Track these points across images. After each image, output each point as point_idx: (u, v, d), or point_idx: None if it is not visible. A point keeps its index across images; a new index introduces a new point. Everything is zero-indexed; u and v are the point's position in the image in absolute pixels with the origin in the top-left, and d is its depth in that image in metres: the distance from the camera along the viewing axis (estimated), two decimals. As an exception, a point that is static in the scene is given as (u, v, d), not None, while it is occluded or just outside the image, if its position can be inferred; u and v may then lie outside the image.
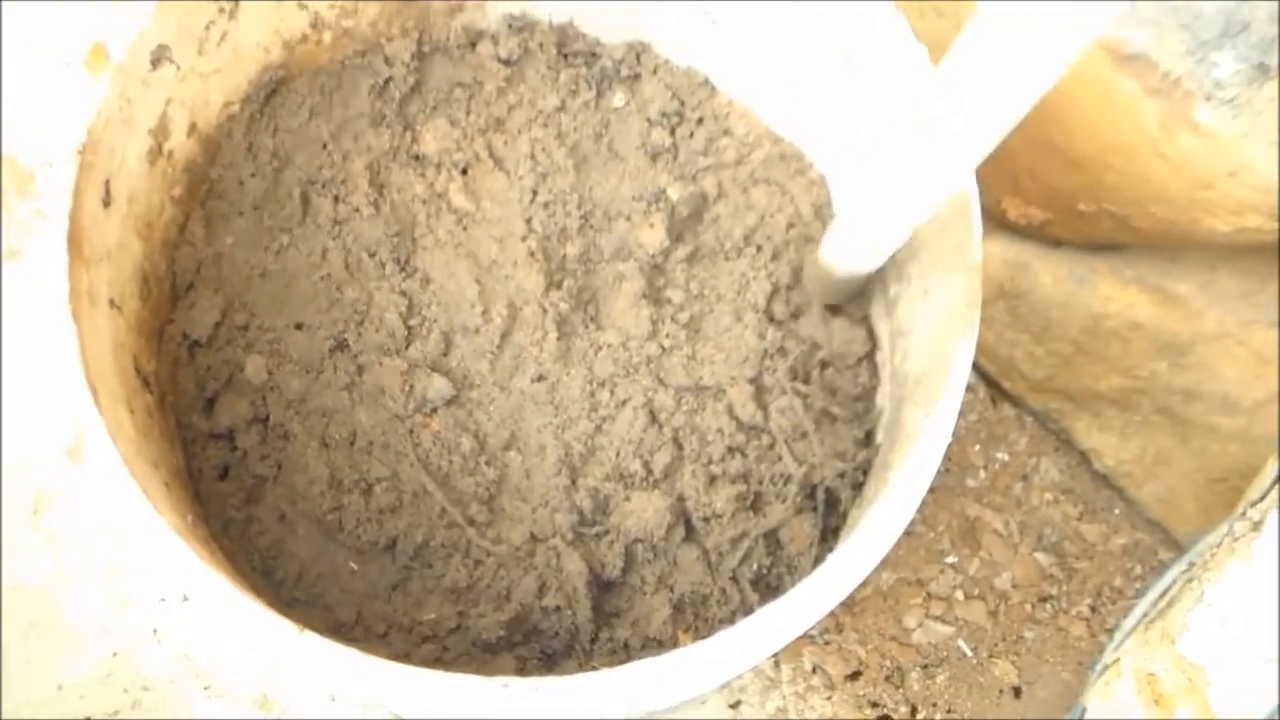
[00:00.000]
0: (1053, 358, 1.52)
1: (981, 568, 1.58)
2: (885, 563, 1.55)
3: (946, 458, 1.61)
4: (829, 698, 1.52)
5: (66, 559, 1.56)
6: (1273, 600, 0.87)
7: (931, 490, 1.60)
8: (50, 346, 1.05)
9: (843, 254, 1.20)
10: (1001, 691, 1.46)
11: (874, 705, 1.51)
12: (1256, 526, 0.89)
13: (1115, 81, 1.23)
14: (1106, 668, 0.98)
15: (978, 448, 1.63)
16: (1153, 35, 1.19)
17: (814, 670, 1.53)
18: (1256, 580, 0.88)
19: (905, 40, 1.19)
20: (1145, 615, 0.99)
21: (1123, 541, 1.58)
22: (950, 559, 1.58)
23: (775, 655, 1.53)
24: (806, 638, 1.54)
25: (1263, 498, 0.92)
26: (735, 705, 1.51)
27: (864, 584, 1.56)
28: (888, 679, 1.52)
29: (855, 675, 1.53)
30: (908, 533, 1.57)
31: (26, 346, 1.52)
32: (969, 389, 1.65)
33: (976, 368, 1.65)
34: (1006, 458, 1.63)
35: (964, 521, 1.59)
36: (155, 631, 1.54)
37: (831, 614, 1.55)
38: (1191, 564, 0.95)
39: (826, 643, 1.54)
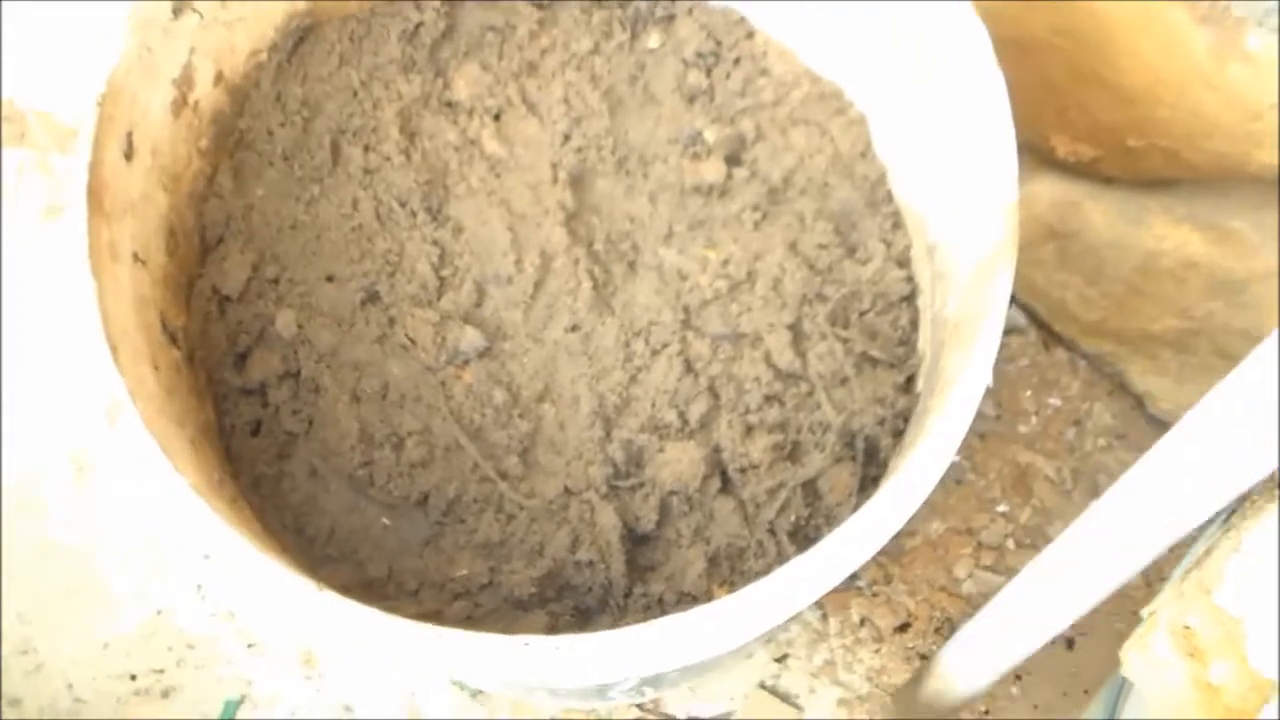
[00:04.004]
0: (1105, 299, 1.48)
1: (1033, 516, 1.54)
2: (934, 511, 1.53)
3: (997, 404, 1.58)
4: (877, 650, 1.49)
5: (108, 519, 1.56)
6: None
7: (981, 437, 1.58)
8: (77, 303, 1.04)
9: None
10: (1054, 643, 1.43)
11: (923, 658, 1.48)
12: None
13: (1163, 10, 1.19)
14: (1143, 621, 0.94)
15: (1029, 393, 1.59)
16: (1200, -39, 1.14)
17: (862, 622, 1.50)
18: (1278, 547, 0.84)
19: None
20: (1187, 567, 0.95)
21: (1180, 487, 1.54)
22: (1001, 507, 1.54)
23: (822, 608, 1.51)
24: (854, 589, 1.52)
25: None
26: (782, 659, 1.49)
27: (912, 534, 1.54)
28: (937, 630, 1.49)
29: (904, 627, 1.50)
30: (957, 480, 1.55)
31: (65, 305, 1.52)
32: (1019, 332, 1.61)
33: (1027, 310, 1.61)
34: (1059, 403, 1.59)
35: (1015, 469, 1.56)
36: (199, 588, 1.54)
37: (880, 565, 1.53)
38: (1232, 512, 0.92)
39: (875, 594, 1.52)
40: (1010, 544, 1.53)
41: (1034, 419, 1.58)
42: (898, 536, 1.50)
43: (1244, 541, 0.87)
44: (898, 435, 1.23)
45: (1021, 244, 1.51)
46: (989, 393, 1.57)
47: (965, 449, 1.56)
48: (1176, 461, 0.86)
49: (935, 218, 1.24)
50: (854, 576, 1.50)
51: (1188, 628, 0.88)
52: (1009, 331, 1.61)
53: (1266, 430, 0.77)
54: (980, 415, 1.57)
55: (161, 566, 1.54)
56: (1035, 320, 1.60)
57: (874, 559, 1.50)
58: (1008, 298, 1.06)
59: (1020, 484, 1.55)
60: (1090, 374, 1.60)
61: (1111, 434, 1.57)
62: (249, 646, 1.51)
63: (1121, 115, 1.31)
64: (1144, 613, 0.95)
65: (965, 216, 1.17)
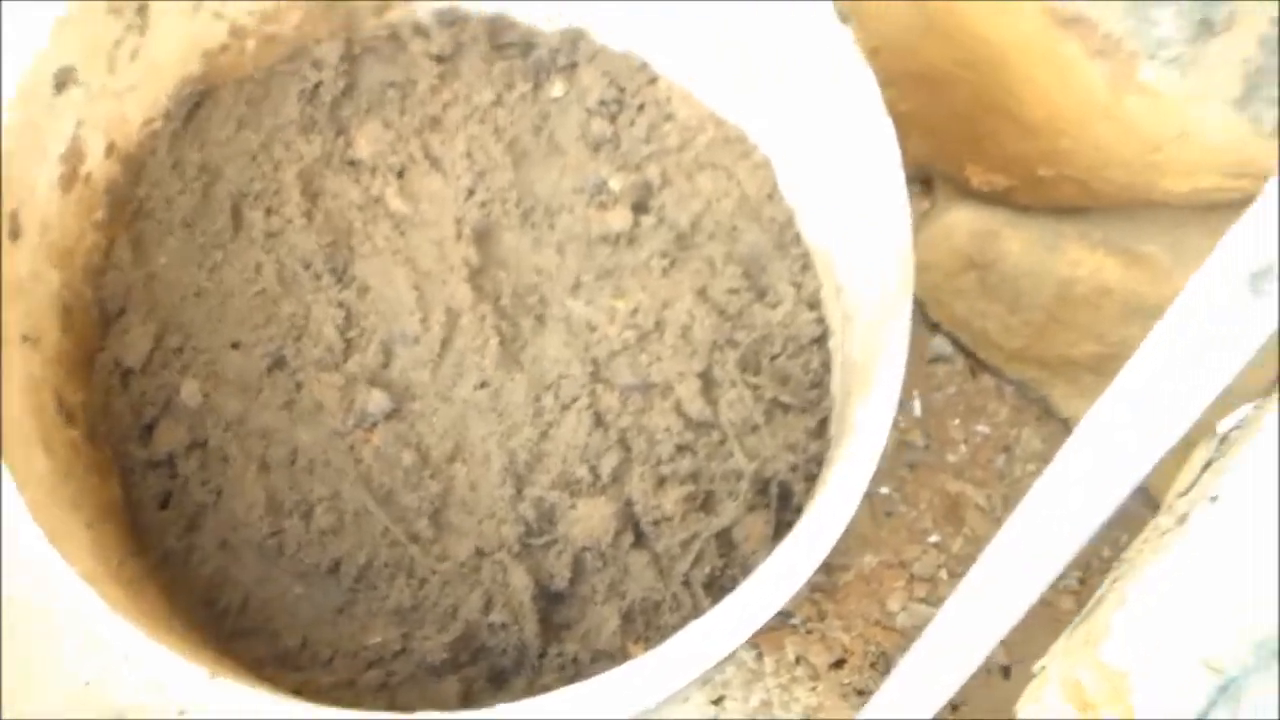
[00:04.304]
0: (1027, 327, 1.47)
1: (965, 545, 1.53)
2: (866, 544, 1.52)
3: (925, 433, 1.57)
4: (814, 688, 1.48)
5: (29, 591, 1.54)
6: (1198, 601, 0.82)
7: (911, 467, 1.57)
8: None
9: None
10: (990, 671, 1.42)
11: (860, 694, 1.47)
12: (1181, 521, 0.84)
13: (1058, 45, 1.18)
14: (1035, 675, 0.94)
15: (957, 421, 1.58)
16: (1091, -5, 1.14)
17: (798, 660, 1.49)
18: (1180, 580, 0.84)
19: (826, 17, 1.15)
20: (1076, 621, 0.94)
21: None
22: (933, 538, 1.53)
23: (757, 647, 1.50)
24: (788, 627, 1.50)
25: (1190, 488, 0.88)
26: (718, 701, 1.48)
27: (845, 568, 1.53)
28: (873, 665, 1.48)
29: (840, 663, 1.49)
30: (888, 513, 1.53)
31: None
32: (945, 360, 1.60)
33: (952, 339, 1.60)
34: (988, 430, 1.58)
35: (946, 498, 1.55)
36: (126, 658, 1.52)
37: (813, 601, 1.52)
38: (1118, 566, 0.91)
39: (809, 631, 1.50)
40: (943, 574, 1.51)
41: (963, 447, 1.57)
42: (829, 571, 1.51)
43: (1128, 594, 0.86)
44: (811, 480, 1.22)
45: (942, 273, 1.51)
46: (917, 423, 1.57)
47: (894, 480, 1.54)
48: (1071, 469, 0.88)
49: (840, 259, 1.23)
50: (787, 614, 1.50)
51: (1078, 681, 0.87)
52: (935, 360, 1.60)
53: (1145, 433, 0.82)
54: (909, 445, 1.57)
55: (90, 637, 1.52)
56: (961, 348, 1.59)
57: (807, 595, 1.50)
58: (906, 341, 1.05)
59: (951, 513, 1.54)
60: (1018, 400, 1.58)
61: (1041, 459, 1.56)
62: (180, 713, 1.49)
63: (1028, 146, 1.30)
64: (1036, 667, 0.94)
65: (865, 259, 1.16)
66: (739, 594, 0.99)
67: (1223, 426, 0.89)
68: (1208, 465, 0.89)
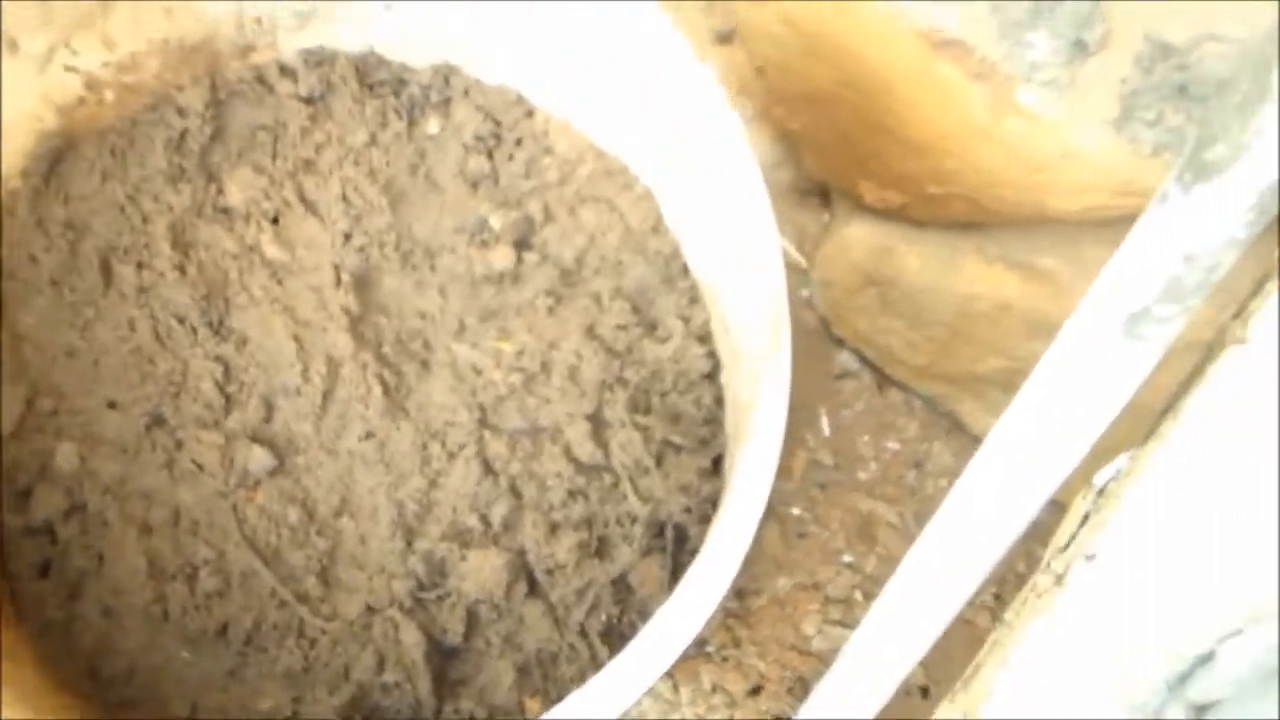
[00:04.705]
0: (930, 343, 1.45)
1: (879, 565, 1.51)
2: (779, 568, 1.50)
3: (834, 451, 1.55)
4: (731, 716, 1.46)
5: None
6: (1078, 661, 0.81)
7: (821, 487, 1.54)
8: None
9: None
10: (909, 692, 1.40)
11: (778, 720, 1.45)
12: (1059, 580, 0.82)
13: (935, 68, 1.15)
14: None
15: (867, 438, 1.56)
16: (964, 19, 1.11)
17: (714, 689, 1.47)
18: (1059, 640, 0.82)
19: (685, 56, 1.12)
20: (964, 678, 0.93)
21: (1023, 523, 1.51)
22: (846, 558, 1.51)
23: (672, 677, 1.48)
24: (703, 655, 1.48)
25: (1069, 544, 0.85)
26: (634, 733, 1.46)
27: (758, 592, 1.51)
28: (789, 691, 1.46)
29: (757, 690, 1.47)
30: (800, 534, 1.51)
31: None
32: (852, 376, 1.58)
33: (858, 355, 1.57)
34: (897, 446, 1.56)
35: (858, 517, 1.52)
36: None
37: (727, 627, 1.50)
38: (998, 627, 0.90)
39: (724, 659, 1.48)
40: (858, 595, 1.49)
41: (873, 464, 1.55)
42: (742, 596, 1.49)
43: (1009, 656, 0.84)
44: (706, 521, 1.20)
45: (843, 289, 1.49)
46: (826, 441, 1.54)
47: (805, 500, 1.52)
48: (977, 489, 0.85)
49: (725, 293, 1.20)
50: (702, 641, 1.47)
51: (963, 743, 0.86)
52: (842, 376, 1.57)
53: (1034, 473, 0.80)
54: (818, 465, 1.54)
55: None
56: (867, 363, 1.57)
57: (721, 621, 1.48)
58: (782, 396, 1.02)
59: (864, 532, 1.52)
60: (927, 414, 1.56)
61: (952, 474, 1.54)
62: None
63: (915, 165, 1.27)
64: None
65: (746, 297, 1.13)
66: (636, 645, 0.97)
67: (1099, 479, 0.87)
68: (1085, 519, 0.86)
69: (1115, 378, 0.74)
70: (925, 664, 1.44)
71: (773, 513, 1.51)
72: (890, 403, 1.57)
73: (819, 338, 1.58)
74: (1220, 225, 0.59)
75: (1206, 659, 0.75)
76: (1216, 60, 1.03)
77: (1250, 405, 0.67)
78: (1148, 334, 0.68)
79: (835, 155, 1.42)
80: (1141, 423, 0.82)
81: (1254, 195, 0.57)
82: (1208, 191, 0.58)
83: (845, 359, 1.57)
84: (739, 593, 1.48)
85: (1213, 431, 0.69)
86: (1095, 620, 0.81)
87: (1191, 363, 0.76)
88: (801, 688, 1.46)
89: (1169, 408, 0.75)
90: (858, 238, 1.45)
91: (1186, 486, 0.72)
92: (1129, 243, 0.66)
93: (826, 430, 1.55)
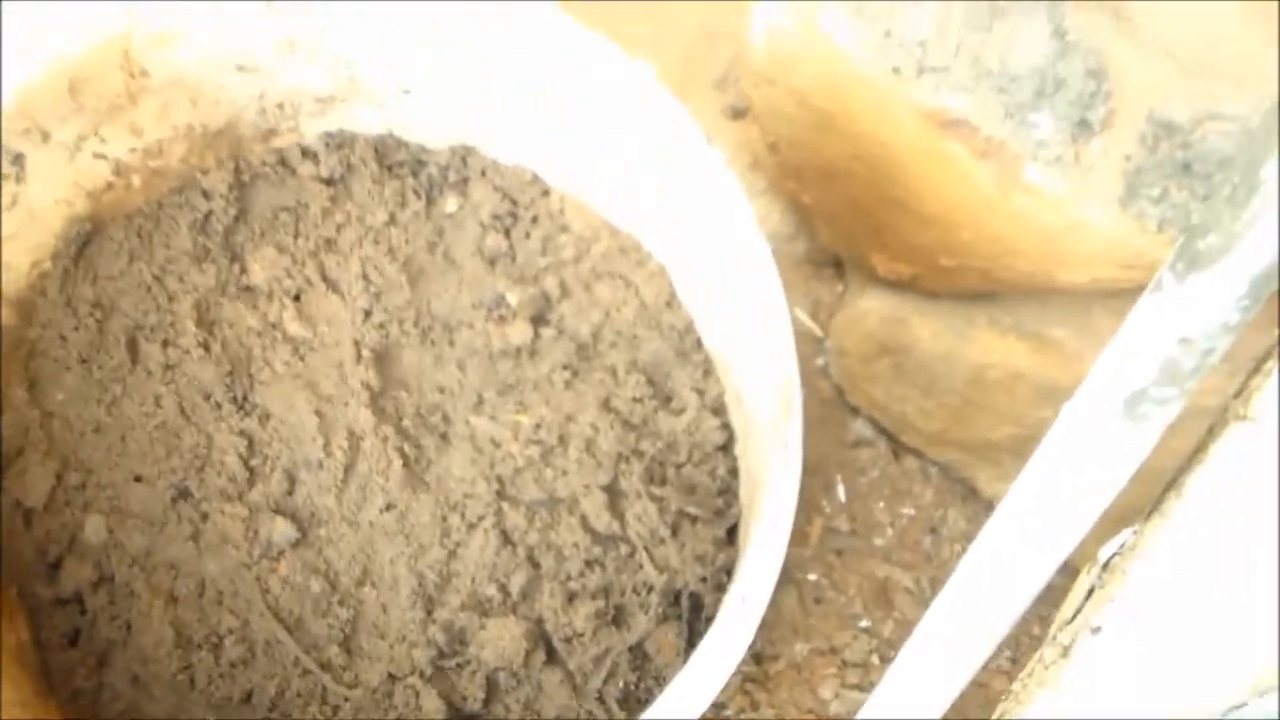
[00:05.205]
0: (943, 410, 1.46)
1: (896, 629, 1.52)
2: (796, 633, 1.51)
3: (850, 517, 1.57)
4: (749, 781, 1.47)
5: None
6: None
7: (838, 553, 1.56)
8: None
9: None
10: (924, 757, 1.40)
11: (795, 786, 1.46)
12: (1065, 653, 0.84)
13: (943, 145, 1.17)
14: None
15: (882, 504, 1.57)
16: (970, 100, 1.13)
17: (732, 754, 1.48)
18: (1065, 712, 0.83)
19: (694, 137, 1.14)
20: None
21: (1038, 588, 1.52)
22: (863, 623, 1.52)
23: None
24: (722, 719, 1.49)
25: (1074, 616, 0.87)
26: (653, 799, 1.47)
27: (775, 657, 1.52)
28: (807, 756, 1.47)
29: (775, 755, 1.48)
30: (817, 600, 1.53)
31: None
32: (868, 444, 1.60)
33: (873, 423, 1.59)
34: (913, 512, 1.57)
35: (874, 583, 1.54)
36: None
37: (745, 691, 1.51)
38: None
39: (742, 724, 1.50)
40: (875, 659, 1.51)
41: (889, 530, 1.57)
42: (760, 661, 1.50)
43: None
44: (721, 590, 1.21)
45: (858, 358, 1.51)
46: (842, 508, 1.56)
47: (822, 566, 1.54)
48: (991, 552, 0.86)
49: (738, 366, 1.23)
50: (720, 705, 1.48)
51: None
52: (857, 444, 1.59)
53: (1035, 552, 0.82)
54: (835, 531, 1.56)
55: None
56: (882, 431, 1.59)
57: (739, 686, 1.49)
58: (792, 481, 1.04)
59: (880, 597, 1.53)
60: (941, 480, 1.58)
61: (967, 539, 1.55)
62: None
63: (928, 237, 1.29)
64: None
65: (757, 368, 1.15)
66: (651, 712, 0.98)
67: (1104, 553, 0.88)
68: (1090, 593, 0.88)
69: (1117, 457, 0.75)
70: (941, 729, 1.45)
71: (790, 579, 1.52)
72: (905, 470, 1.59)
73: (834, 406, 1.60)
74: (1214, 312, 0.61)
75: (1211, 731, 0.76)
76: (1219, 138, 1.06)
77: (1252, 483, 0.69)
78: (1148, 414, 0.70)
79: (848, 228, 1.44)
80: (1153, 488, 0.84)
81: (1246, 284, 0.59)
82: (1202, 280, 0.60)
83: (860, 427, 1.59)
84: (757, 657, 1.50)
85: (1215, 509, 0.71)
86: (1100, 693, 0.82)
87: (1200, 429, 0.77)
88: (819, 753, 1.47)
89: (1172, 483, 0.76)
90: (871, 308, 1.47)
91: (1189, 562, 0.73)
92: (1126, 327, 0.68)
93: (843, 497, 1.56)
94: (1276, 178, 0.56)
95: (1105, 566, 0.89)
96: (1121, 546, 0.90)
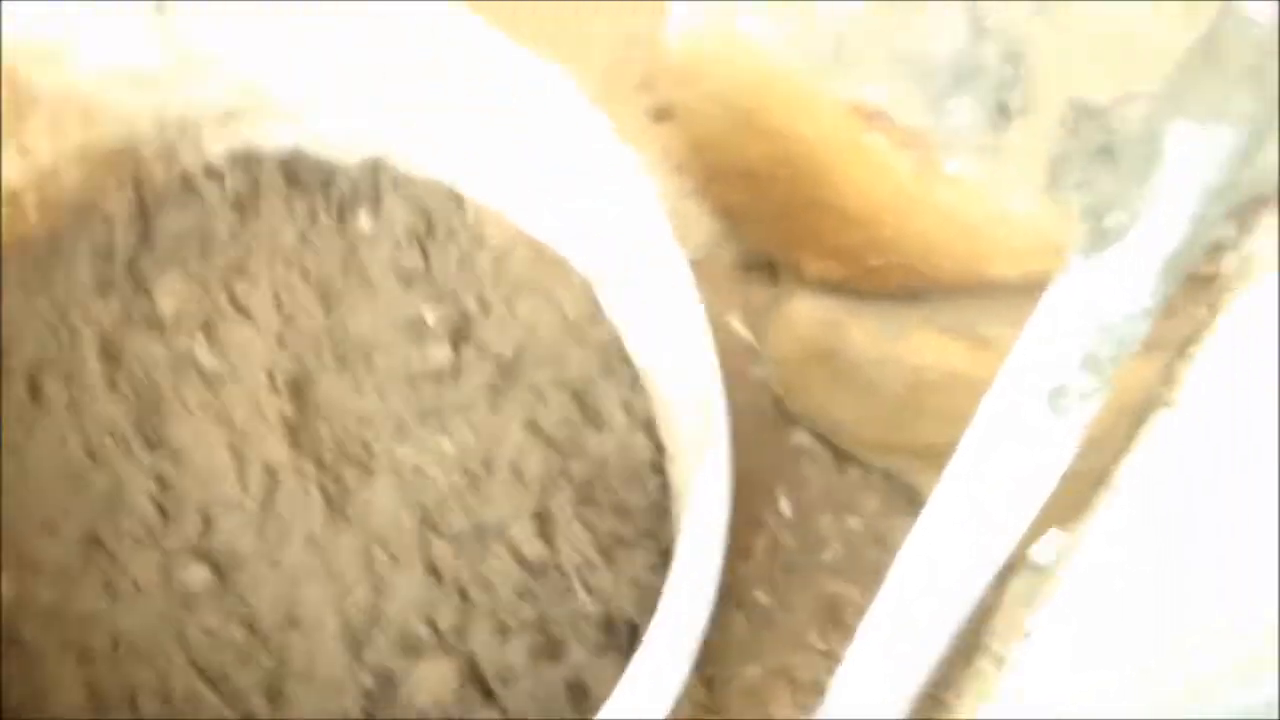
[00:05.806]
0: (883, 415, 1.43)
1: (848, 647, 1.48)
2: (747, 655, 1.47)
3: (796, 534, 1.52)
4: (705, 807, 1.43)
5: None
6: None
7: (786, 571, 1.51)
8: None
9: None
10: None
11: (751, 812, 1.42)
12: (999, 663, 0.80)
13: (863, 138, 1.14)
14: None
15: (828, 517, 1.53)
16: (888, 90, 1.10)
17: (686, 780, 1.44)
18: None
19: (607, 138, 1.11)
20: None
21: (992, 594, 1.49)
22: (816, 643, 1.48)
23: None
24: (673, 749, 1.45)
25: (1006, 625, 0.84)
26: (604, 832, 1.42)
27: (726, 681, 1.48)
28: (764, 779, 1.43)
29: (731, 779, 1.44)
30: (767, 620, 1.48)
31: None
32: (809, 454, 1.55)
33: (813, 432, 1.55)
34: (859, 524, 1.53)
35: (824, 600, 1.49)
36: None
37: (696, 718, 1.46)
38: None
39: (694, 750, 1.45)
40: (828, 679, 1.46)
41: (836, 544, 1.52)
42: (711, 686, 1.45)
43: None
44: (658, 614, 1.17)
45: (792, 365, 1.47)
46: (787, 523, 1.52)
47: (769, 585, 1.49)
48: (921, 557, 0.86)
49: (664, 380, 1.19)
50: (673, 734, 1.44)
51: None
52: (799, 455, 1.55)
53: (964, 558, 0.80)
54: (781, 548, 1.52)
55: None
56: (823, 440, 1.54)
57: (690, 713, 1.44)
58: (725, 483, 1.00)
59: (831, 615, 1.49)
60: (887, 488, 1.54)
61: (916, 548, 1.52)
62: None
63: (853, 237, 1.27)
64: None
65: (682, 380, 1.12)
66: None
67: (1035, 555, 0.85)
68: (1020, 597, 0.84)
69: (1045, 454, 0.72)
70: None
71: (737, 599, 1.48)
72: (849, 480, 1.55)
73: (773, 416, 1.56)
74: (1127, 293, 0.57)
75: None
76: (1140, 120, 1.02)
77: (1179, 471, 0.65)
78: (1069, 408, 0.66)
79: (775, 229, 1.41)
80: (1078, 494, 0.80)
81: (1158, 261, 0.56)
82: (1109, 260, 0.57)
83: (800, 436, 1.55)
84: (708, 681, 1.45)
85: (1142, 502, 0.68)
86: (1037, 698, 0.80)
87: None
88: (775, 777, 1.43)
89: (1100, 478, 0.73)
90: (803, 312, 1.43)
91: (1119, 560, 0.70)
92: (1038, 315, 0.65)
93: (787, 511, 1.52)
94: (1181, 146, 0.52)
95: (1037, 570, 0.86)
96: (1054, 548, 0.86)
